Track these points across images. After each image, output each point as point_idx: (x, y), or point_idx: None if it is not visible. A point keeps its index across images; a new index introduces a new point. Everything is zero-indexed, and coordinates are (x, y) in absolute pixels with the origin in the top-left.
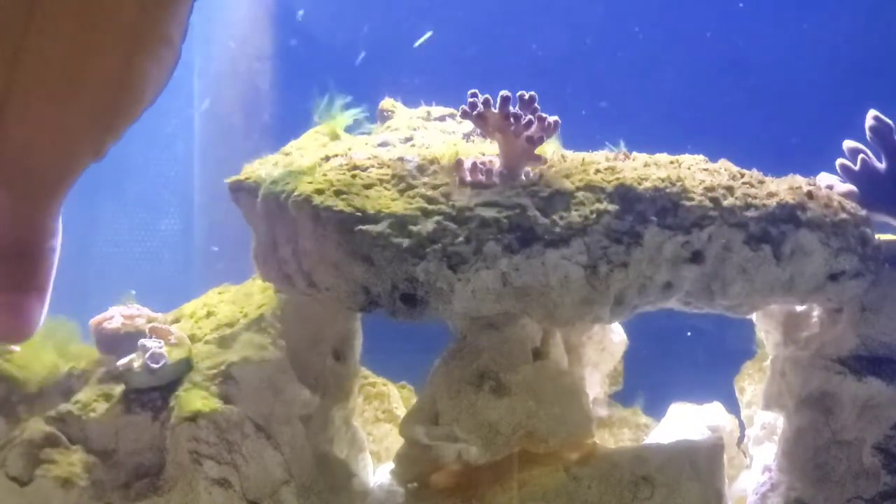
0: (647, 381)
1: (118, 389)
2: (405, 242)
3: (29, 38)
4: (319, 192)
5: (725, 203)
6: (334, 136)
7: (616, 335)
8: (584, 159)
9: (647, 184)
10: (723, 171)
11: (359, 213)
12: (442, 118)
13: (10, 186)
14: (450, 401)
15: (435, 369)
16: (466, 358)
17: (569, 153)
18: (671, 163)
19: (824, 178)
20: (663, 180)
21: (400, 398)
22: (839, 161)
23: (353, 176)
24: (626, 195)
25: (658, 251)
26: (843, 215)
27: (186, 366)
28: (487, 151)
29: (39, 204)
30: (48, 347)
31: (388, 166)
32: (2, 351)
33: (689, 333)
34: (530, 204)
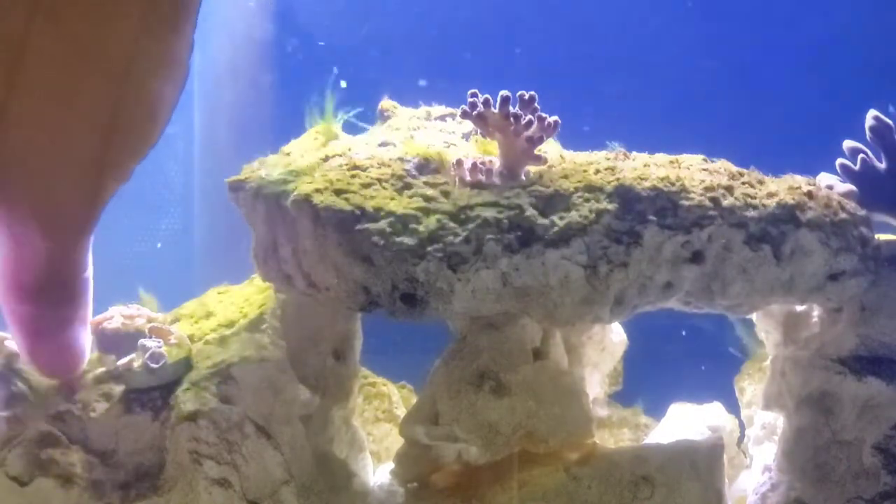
0: (647, 381)
1: (118, 389)
2: (405, 242)
3: (33, 73)
4: (319, 191)
5: (725, 203)
6: (332, 137)
7: (616, 335)
8: (583, 159)
9: (647, 183)
10: (722, 170)
11: (358, 213)
12: (442, 118)
13: (42, 225)
14: (450, 401)
15: (435, 369)
16: (466, 358)
17: (568, 153)
18: (671, 163)
19: (824, 178)
20: (663, 180)
21: (400, 398)
22: (839, 161)
23: (353, 176)
24: (625, 195)
25: (658, 251)
26: (843, 215)
27: (186, 366)
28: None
29: (72, 238)
30: None
31: (388, 166)
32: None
33: (683, 332)
34: (530, 204)
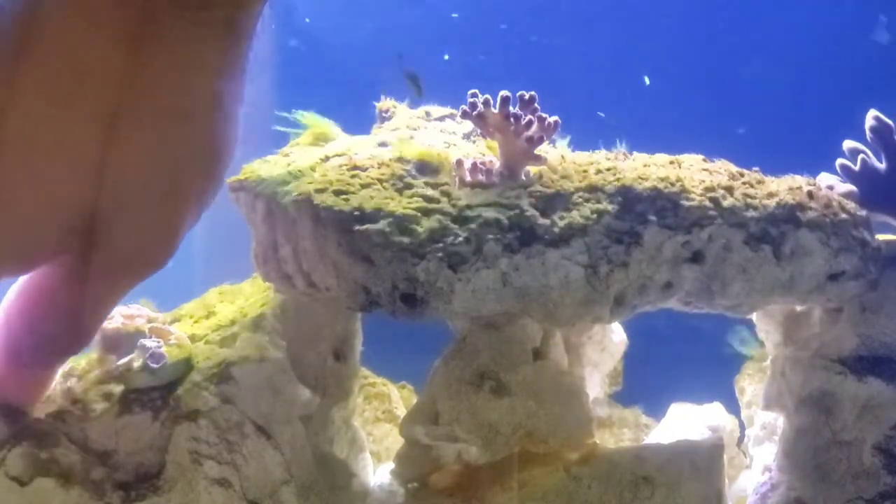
0: (647, 381)
1: (118, 389)
2: (405, 242)
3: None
4: (319, 191)
5: (725, 203)
6: (332, 137)
7: (616, 335)
8: (584, 159)
9: (647, 183)
10: (722, 170)
11: (358, 213)
12: (442, 118)
13: (126, 268)
14: (450, 401)
15: (435, 369)
16: (466, 358)
17: (569, 153)
18: (671, 163)
19: (824, 178)
20: (663, 180)
21: (400, 398)
22: (839, 161)
23: (353, 176)
24: (626, 195)
25: (658, 251)
26: (843, 215)
27: (186, 366)
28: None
29: (127, 289)
30: None
31: (388, 166)
32: None
33: (683, 333)
34: (530, 204)
